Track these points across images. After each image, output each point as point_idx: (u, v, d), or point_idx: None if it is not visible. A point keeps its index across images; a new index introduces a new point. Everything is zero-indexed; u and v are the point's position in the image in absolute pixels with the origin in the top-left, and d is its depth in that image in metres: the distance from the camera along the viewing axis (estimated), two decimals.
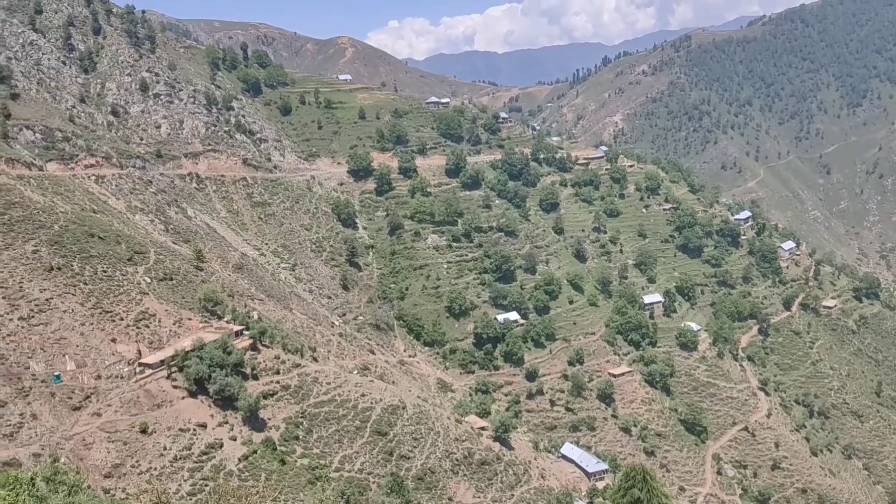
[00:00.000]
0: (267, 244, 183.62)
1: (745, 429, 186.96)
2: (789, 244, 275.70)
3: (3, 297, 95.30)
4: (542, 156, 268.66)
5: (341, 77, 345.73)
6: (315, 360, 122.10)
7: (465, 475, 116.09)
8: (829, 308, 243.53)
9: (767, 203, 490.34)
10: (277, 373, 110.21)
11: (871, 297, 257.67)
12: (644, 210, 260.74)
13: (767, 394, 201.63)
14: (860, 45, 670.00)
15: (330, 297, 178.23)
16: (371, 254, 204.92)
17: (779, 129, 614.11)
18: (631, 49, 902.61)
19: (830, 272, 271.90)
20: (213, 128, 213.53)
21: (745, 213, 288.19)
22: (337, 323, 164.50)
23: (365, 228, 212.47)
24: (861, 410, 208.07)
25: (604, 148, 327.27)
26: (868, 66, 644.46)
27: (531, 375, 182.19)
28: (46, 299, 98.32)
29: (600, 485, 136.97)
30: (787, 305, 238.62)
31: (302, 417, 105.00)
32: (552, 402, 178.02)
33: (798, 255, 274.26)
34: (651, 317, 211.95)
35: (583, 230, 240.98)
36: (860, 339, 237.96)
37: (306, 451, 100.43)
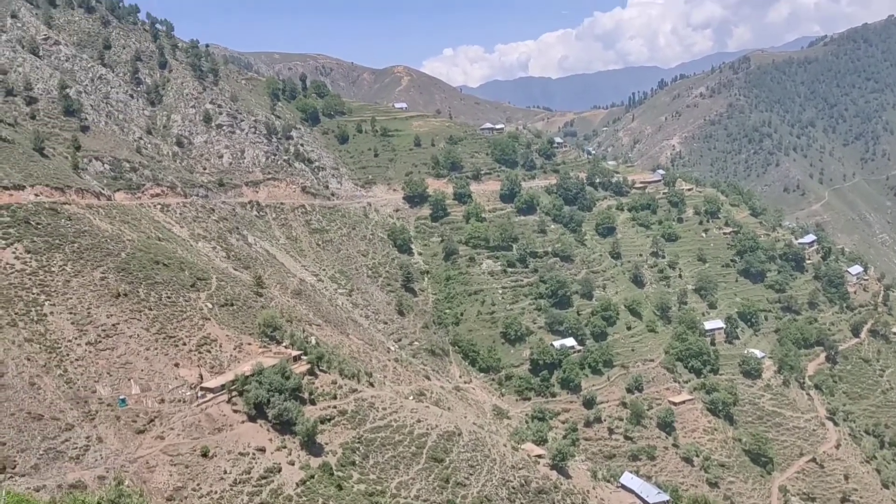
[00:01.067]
0: (324, 270, 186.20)
1: (813, 460, 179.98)
2: (857, 268, 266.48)
3: (72, 323, 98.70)
4: (597, 180, 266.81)
5: (397, 105, 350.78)
6: (371, 385, 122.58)
7: (521, 503, 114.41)
8: None
9: (833, 226, 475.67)
10: (334, 398, 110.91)
11: None
12: (703, 234, 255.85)
13: (836, 423, 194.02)
14: None
15: (386, 323, 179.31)
16: (426, 279, 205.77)
17: (843, 151, 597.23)
18: (688, 72, 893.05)
19: None
20: (272, 157, 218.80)
21: (810, 237, 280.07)
22: (393, 348, 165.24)
23: (420, 254, 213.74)
24: None
25: (661, 171, 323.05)
26: None
27: (589, 403, 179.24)
28: (113, 325, 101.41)
29: None
30: (855, 332, 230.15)
31: (358, 443, 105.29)
32: (611, 430, 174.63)
33: (866, 279, 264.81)
34: (712, 343, 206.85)
35: (640, 255, 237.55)
36: None
37: (363, 477, 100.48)
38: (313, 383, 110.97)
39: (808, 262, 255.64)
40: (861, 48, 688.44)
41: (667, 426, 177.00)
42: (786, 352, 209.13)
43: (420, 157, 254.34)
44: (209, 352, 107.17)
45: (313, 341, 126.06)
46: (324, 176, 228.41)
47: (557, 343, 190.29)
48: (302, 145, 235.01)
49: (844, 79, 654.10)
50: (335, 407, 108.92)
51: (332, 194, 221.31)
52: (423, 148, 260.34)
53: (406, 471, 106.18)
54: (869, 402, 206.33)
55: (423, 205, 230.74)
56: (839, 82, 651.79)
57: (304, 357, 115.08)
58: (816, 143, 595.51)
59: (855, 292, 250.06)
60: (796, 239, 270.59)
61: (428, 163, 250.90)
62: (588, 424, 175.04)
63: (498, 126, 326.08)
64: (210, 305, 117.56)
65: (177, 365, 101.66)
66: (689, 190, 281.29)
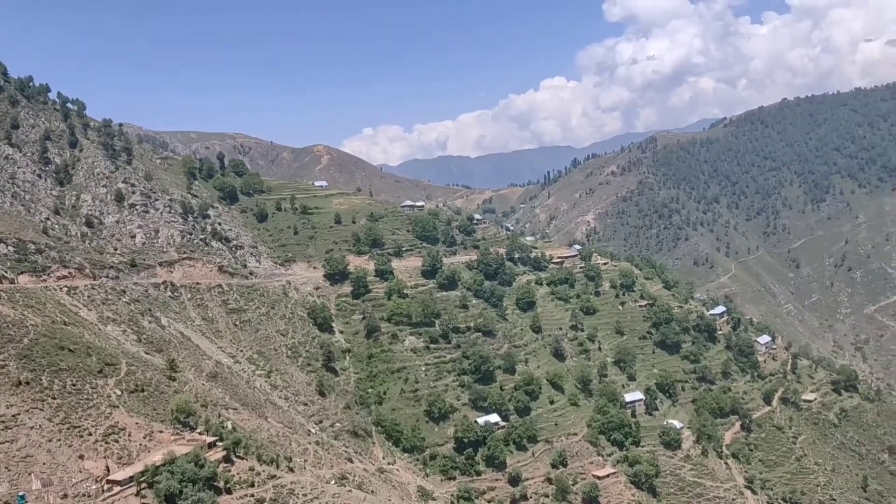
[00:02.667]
0: (242, 351, 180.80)
1: None
2: (765, 338, 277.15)
3: None
4: (516, 255, 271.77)
5: (317, 183, 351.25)
6: (291, 470, 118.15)
7: None
8: (810, 402, 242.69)
9: (741, 298, 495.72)
10: (252, 485, 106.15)
11: (849, 389, 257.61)
12: (620, 307, 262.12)
13: (754, 492, 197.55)
14: (819, 144, 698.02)
15: (306, 404, 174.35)
16: (348, 358, 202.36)
17: (747, 226, 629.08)
18: (599, 151, 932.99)
19: (808, 365, 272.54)
20: (188, 236, 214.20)
21: (720, 308, 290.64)
22: (314, 430, 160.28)
23: (341, 332, 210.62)
24: None
25: (577, 246, 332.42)
26: (829, 163, 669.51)
27: (514, 480, 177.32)
28: (13, 415, 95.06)
29: None
30: (767, 400, 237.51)
31: None
32: None
33: (774, 348, 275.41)
34: (633, 415, 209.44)
35: (560, 328, 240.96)
36: (842, 432, 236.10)
37: None
38: (229, 471, 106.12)
39: (719, 332, 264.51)
40: (758, 129, 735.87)
41: (592, 501, 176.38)
42: (703, 421, 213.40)
43: (341, 235, 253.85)
44: (117, 441, 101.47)
45: (230, 426, 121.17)
46: (242, 255, 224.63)
47: (482, 419, 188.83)
48: (219, 224, 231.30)
49: (744, 158, 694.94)
50: (253, 495, 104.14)
51: (251, 273, 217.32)
52: (344, 225, 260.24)
53: None
54: (784, 470, 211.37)
55: (344, 282, 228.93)
56: (740, 161, 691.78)
57: (219, 443, 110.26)
58: (721, 218, 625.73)
59: (765, 361, 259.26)
60: (707, 310, 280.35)
61: (349, 240, 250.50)
62: (514, 502, 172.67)
63: (418, 203, 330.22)
64: (119, 392, 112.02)
65: (81, 457, 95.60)
66: (605, 264, 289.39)
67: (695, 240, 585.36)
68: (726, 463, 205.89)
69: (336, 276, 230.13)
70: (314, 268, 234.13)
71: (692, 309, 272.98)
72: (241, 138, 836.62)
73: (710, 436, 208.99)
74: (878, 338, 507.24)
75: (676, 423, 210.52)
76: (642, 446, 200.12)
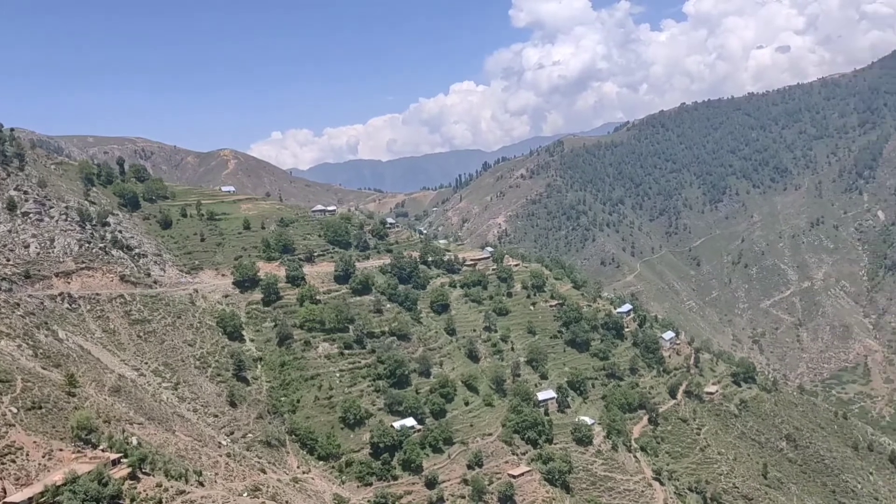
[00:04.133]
0: (147, 363, 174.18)
1: None
2: (669, 334, 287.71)
3: None
4: (430, 259, 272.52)
5: (224, 188, 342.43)
6: (201, 484, 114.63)
7: None
8: (712, 394, 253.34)
9: (646, 295, 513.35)
10: (160, 502, 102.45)
11: (748, 381, 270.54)
12: (532, 307, 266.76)
13: (662, 483, 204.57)
14: (716, 147, 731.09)
15: (216, 416, 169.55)
16: (260, 366, 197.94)
17: (650, 226, 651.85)
18: (509, 154, 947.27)
19: (709, 359, 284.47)
20: (87, 245, 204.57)
21: (627, 307, 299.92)
22: (224, 442, 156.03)
23: (252, 340, 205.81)
24: (750, 493, 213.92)
25: (489, 249, 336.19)
26: (725, 165, 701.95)
27: (431, 483, 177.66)
28: None
29: None
30: (672, 394, 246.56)
31: None
32: None
33: (678, 344, 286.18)
34: (546, 413, 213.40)
35: (474, 330, 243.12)
36: (742, 422, 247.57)
37: None
38: (135, 488, 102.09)
39: (626, 329, 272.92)
40: (659, 132, 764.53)
41: (507, 500, 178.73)
42: (613, 417, 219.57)
43: (250, 241, 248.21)
44: (14, 462, 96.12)
45: (135, 442, 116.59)
46: (145, 263, 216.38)
47: (398, 424, 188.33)
48: (120, 232, 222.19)
49: (647, 160, 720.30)
50: None
51: (155, 282, 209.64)
52: (253, 231, 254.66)
53: None
54: (689, 460, 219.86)
55: (255, 289, 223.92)
56: (642, 163, 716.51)
57: (124, 460, 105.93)
58: (626, 219, 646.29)
59: (669, 356, 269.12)
60: (615, 309, 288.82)
61: (258, 246, 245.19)
62: None
63: (330, 208, 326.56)
64: (14, 410, 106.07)
65: None
66: (517, 265, 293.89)
67: (601, 240, 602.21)
68: (635, 456, 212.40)
69: (246, 283, 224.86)
70: (223, 275, 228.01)
71: (600, 308, 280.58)
72: (142, 142, 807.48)
73: (620, 430, 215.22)
74: (774, 331, 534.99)
75: (587, 420, 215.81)
76: (555, 443, 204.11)
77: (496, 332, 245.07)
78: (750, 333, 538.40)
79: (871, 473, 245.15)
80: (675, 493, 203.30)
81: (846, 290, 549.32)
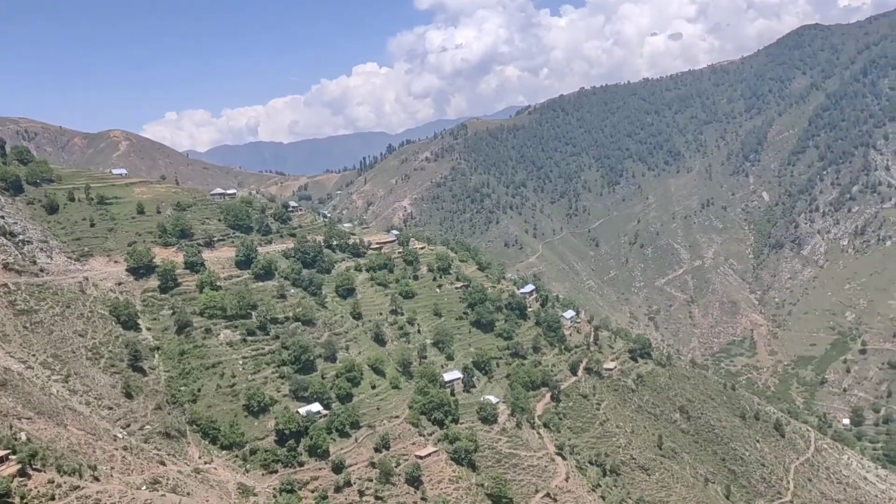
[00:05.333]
0: (34, 356, 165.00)
1: (548, 494, 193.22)
2: (570, 313, 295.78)
3: None
4: (335, 242, 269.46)
5: (115, 171, 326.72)
6: (96, 479, 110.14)
7: None
8: (610, 370, 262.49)
9: (548, 276, 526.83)
10: (53, 498, 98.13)
11: (644, 356, 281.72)
12: (437, 290, 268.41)
13: (564, 458, 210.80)
14: (613, 130, 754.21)
15: (111, 408, 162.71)
16: (157, 356, 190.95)
17: (551, 208, 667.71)
18: (413, 137, 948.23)
19: (608, 336, 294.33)
20: None
21: (530, 287, 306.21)
22: (120, 435, 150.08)
23: (149, 329, 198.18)
24: (647, 464, 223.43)
25: (395, 232, 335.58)
26: (622, 149, 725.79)
27: (338, 468, 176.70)
28: None
29: None
30: (573, 371, 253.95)
31: None
32: (361, 493, 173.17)
33: (579, 322, 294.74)
34: (452, 394, 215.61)
35: (380, 314, 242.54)
36: (639, 396, 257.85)
37: None
38: (25, 485, 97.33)
39: (529, 309, 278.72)
40: (560, 116, 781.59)
41: (415, 481, 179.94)
42: (517, 395, 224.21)
43: (144, 226, 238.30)
44: None
45: (23, 437, 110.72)
46: (30, 250, 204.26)
47: (303, 410, 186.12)
48: (2, 217, 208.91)
49: (548, 144, 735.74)
50: None
51: (42, 270, 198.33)
52: (148, 216, 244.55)
53: None
54: (590, 435, 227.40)
55: (151, 276, 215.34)
56: (544, 147, 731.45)
57: (12, 457, 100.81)
58: (529, 201, 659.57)
59: (570, 335, 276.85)
60: (518, 289, 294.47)
61: (154, 231, 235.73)
62: (338, 490, 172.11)
63: (230, 191, 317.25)
64: None
65: None
66: (422, 248, 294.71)
67: (505, 223, 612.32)
68: (538, 433, 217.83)
69: (141, 269, 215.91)
70: (115, 262, 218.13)
71: (504, 289, 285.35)
72: (25, 123, 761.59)
73: (524, 408, 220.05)
74: (668, 308, 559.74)
75: (493, 399, 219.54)
76: (461, 423, 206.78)
77: (402, 315, 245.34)
78: (646, 311, 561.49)
79: (757, 441, 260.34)
80: (576, 466, 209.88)
81: (734, 268, 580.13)
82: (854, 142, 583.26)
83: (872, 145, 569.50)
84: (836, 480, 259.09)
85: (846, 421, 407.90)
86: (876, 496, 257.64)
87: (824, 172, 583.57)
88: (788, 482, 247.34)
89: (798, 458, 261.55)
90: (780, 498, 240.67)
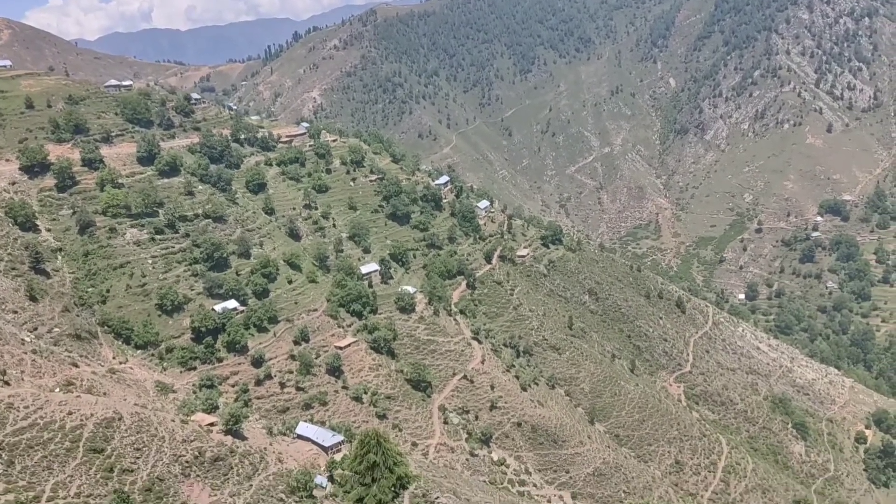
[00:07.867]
0: None
1: (465, 377, 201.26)
2: (484, 203, 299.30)
3: None
4: (242, 136, 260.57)
5: None
6: (7, 384, 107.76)
7: (198, 476, 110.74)
8: (523, 257, 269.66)
9: (462, 167, 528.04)
10: None
11: (555, 242, 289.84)
12: (352, 183, 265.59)
13: (480, 342, 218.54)
14: (525, 17, 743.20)
15: (16, 312, 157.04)
16: (60, 258, 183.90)
17: (464, 98, 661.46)
18: (320, 24, 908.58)
19: (521, 224, 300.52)
20: None
21: (444, 178, 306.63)
22: (28, 339, 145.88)
23: (49, 230, 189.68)
24: (558, 344, 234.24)
25: (305, 124, 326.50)
26: (534, 36, 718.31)
27: (257, 362, 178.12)
28: None
29: (338, 456, 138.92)
30: (488, 259, 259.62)
31: (0, 449, 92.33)
32: (282, 385, 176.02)
33: (493, 212, 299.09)
34: (370, 286, 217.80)
35: (294, 208, 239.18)
36: (551, 280, 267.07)
37: (10, 486, 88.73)
38: None
39: (444, 201, 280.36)
40: (472, 2, 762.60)
41: (335, 371, 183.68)
42: (433, 284, 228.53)
43: (35, 122, 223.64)
44: None
45: None
46: None
47: (219, 307, 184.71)
48: None
49: (460, 31, 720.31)
50: None
51: None
52: (38, 110, 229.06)
53: (62, 469, 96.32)
54: (504, 319, 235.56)
55: (46, 175, 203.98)
56: (455, 34, 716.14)
57: None
58: (441, 91, 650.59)
59: (485, 224, 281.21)
60: (433, 181, 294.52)
61: (46, 127, 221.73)
62: (259, 383, 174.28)
63: (126, 83, 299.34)
64: None
65: None
66: (334, 141, 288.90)
67: (418, 113, 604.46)
68: (455, 319, 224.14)
69: (35, 168, 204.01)
70: (6, 161, 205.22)
71: (419, 180, 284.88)
72: None
73: (440, 297, 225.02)
74: (578, 195, 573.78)
75: (410, 289, 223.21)
76: (380, 314, 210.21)
77: (317, 209, 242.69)
78: (557, 198, 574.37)
79: (660, 318, 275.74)
80: (491, 349, 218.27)
81: (641, 154, 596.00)
82: (757, 26, 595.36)
83: (775, 29, 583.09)
84: (731, 351, 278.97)
85: (742, 296, 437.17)
86: (767, 364, 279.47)
87: (728, 57, 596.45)
88: (688, 354, 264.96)
89: (697, 332, 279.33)
90: (681, 369, 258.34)
